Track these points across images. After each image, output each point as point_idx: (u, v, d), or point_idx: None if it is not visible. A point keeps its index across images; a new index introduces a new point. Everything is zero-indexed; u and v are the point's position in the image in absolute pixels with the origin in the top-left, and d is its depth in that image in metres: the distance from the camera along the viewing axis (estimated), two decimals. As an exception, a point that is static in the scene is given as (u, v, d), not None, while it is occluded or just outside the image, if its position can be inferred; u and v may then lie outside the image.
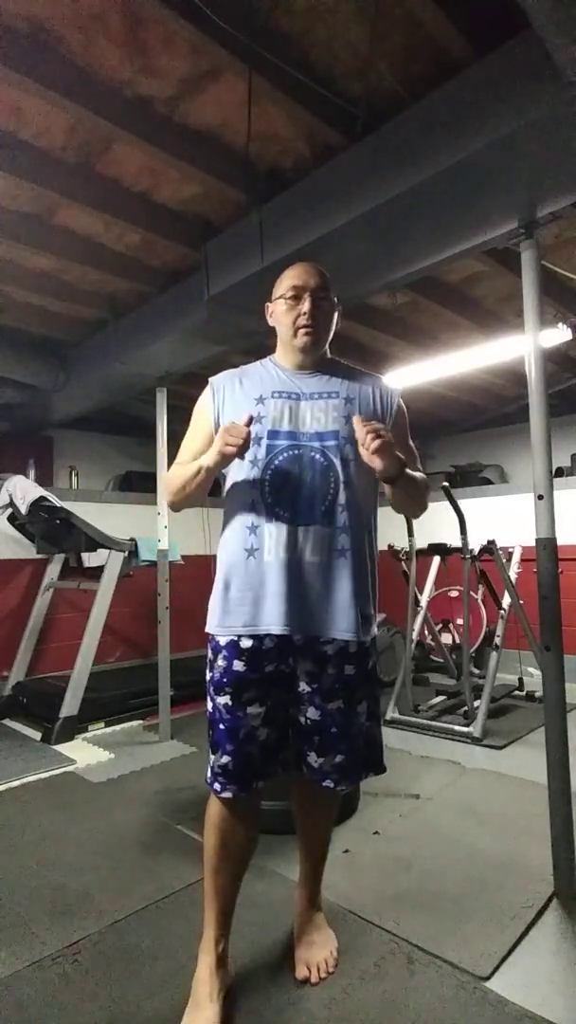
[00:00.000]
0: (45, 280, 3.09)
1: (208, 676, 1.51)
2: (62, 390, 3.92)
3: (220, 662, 1.48)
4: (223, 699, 1.46)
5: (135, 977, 1.55)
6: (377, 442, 1.35)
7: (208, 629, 1.51)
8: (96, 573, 3.95)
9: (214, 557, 1.60)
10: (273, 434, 1.49)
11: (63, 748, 3.33)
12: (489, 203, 2.02)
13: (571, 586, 3.31)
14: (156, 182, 2.42)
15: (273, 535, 1.45)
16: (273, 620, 1.43)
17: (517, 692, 4.15)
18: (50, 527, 3.88)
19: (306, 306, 1.52)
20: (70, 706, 3.53)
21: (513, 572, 3.94)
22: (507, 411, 5.41)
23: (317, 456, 1.47)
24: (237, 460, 1.49)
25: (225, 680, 1.46)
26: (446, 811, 2.44)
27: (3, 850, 2.21)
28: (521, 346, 3.27)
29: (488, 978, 1.52)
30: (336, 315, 1.62)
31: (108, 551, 3.82)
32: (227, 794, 1.45)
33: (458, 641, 4.47)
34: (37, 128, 2.11)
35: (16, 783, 2.83)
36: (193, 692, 4.21)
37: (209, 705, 1.51)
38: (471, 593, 3.93)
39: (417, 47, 1.82)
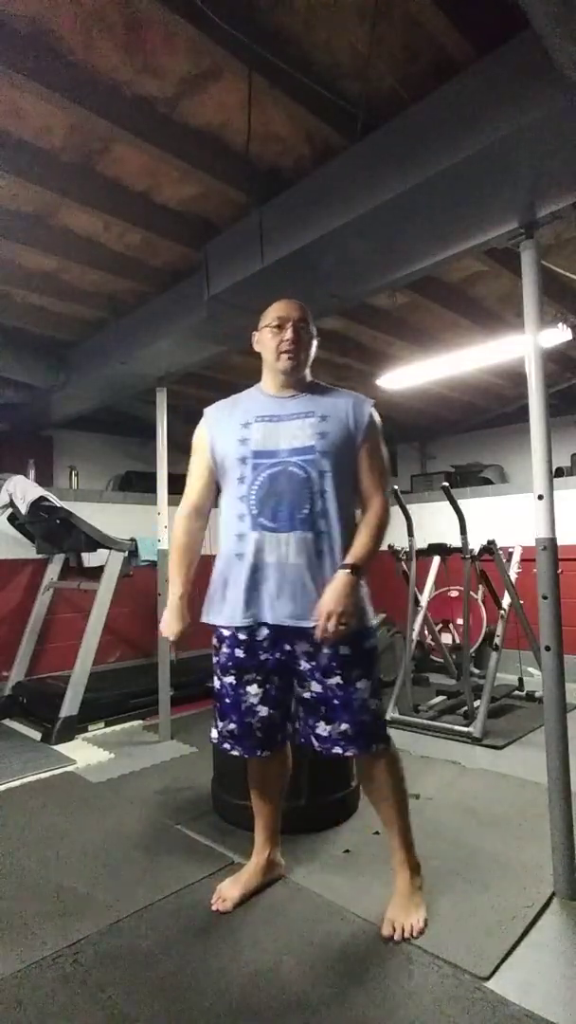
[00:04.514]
0: (45, 280, 3.09)
1: (215, 659, 1.81)
2: (62, 390, 3.92)
3: (224, 649, 1.76)
4: (228, 679, 1.76)
5: (135, 977, 1.55)
6: (331, 633, 1.60)
7: (212, 621, 1.78)
8: (96, 573, 3.95)
9: (214, 557, 1.72)
10: (257, 454, 1.72)
11: (63, 748, 3.33)
12: (489, 203, 2.02)
13: (571, 586, 3.31)
14: (156, 182, 2.42)
15: (260, 542, 1.68)
16: (267, 613, 1.68)
17: (517, 692, 4.15)
18: (50, 527, 3.88)
19: (288, 334, 1.75)
20: (70, 706, 3.53)
21: (513, 572, 3.94)
22: (507, 411, 5.42)
23: (296, 470, 1.68)
24: (230, 478, 1.76)
25: (230, 664, 1.75)
26: (446, 811, 2.44)
27: (3, 850, 2.21)
28: (521, 346, 3.27)
29: (488, 978, 1.52)
30: (315, 344, 1.83)
31: (108, 551, 3.82)
32: (235, 753, 1.79)
33: (458, 641, 4.47)
34: (37, 128, 2.11)
35: (16, 783, 2.83)
36: (193, 692, 4.21)
37: (216, 683, 1.81)
38: (471, 593, 3.93)
39: (417, 47, 1.82)
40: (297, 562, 1.65)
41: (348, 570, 1.65)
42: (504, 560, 3.83)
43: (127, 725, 3.77)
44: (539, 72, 1.59)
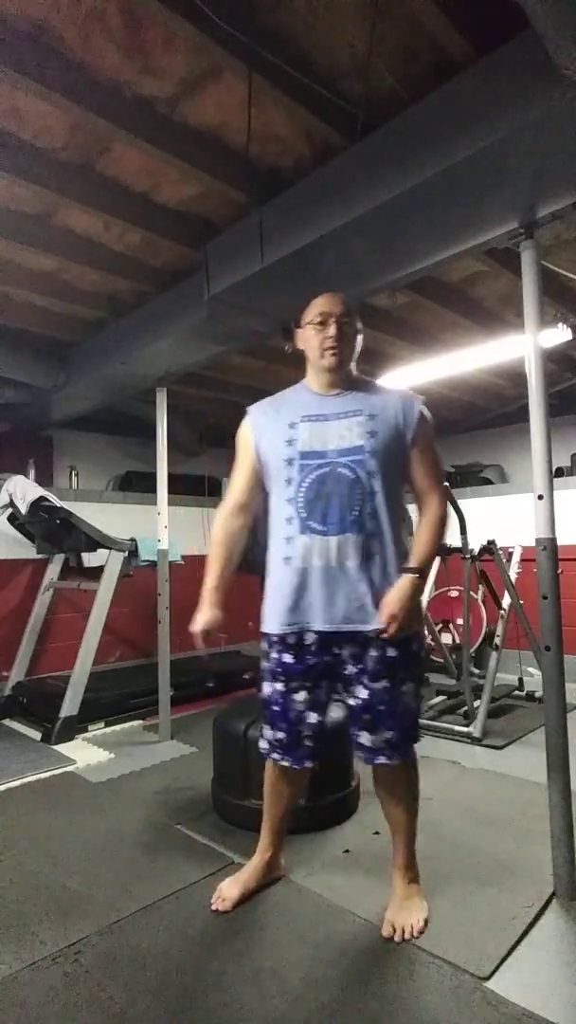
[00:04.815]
0: (45, 280, 3.09)
1: (263, 665, 1.78)
2: (62, 390, 3.92)
3: (273, 654, 1.74)
4: (277, 685, 1.73)
5: (135, 977, 1.55)
6: (394, 628, 1.60)
7: (262, 629, 1.76)
8: (96, 573, 3.95)
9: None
10: (305, 455, 1.69)
11: (63, 748, 3.33)
12: (489, 203, 2.02)
13: (571, 586, 3.31)
14: (156, 182, 2.42)
15: (308, 545, 1.66)
16: (316, 617, 1.66)
17: (517, 692, 4.15)
18: (50, 527, 3.88)
19: (331, 330, 1.72)
20: (70, 706, 3.53)
21: (513, 572, 3.94)
22: (507, 411, 5.41)
23: (344, 471, 1.65)
24: (277, 480, 1.73)
25: (279, 670, 1.72)
26: (446, 811, 2.43)
27: (3, 850, 2.21)
28: (521, 346, 3.27)
29: (488, 978, 1.52)
30: (360, 338, 1.80)
31: (108, 551, 3.82)
32: (285, 763, 1.76)
33: (458, 641, 4.47)
34: (37, 128, 2.10)
35: (16, 783, 2.83)
36: (193, 692, 4.22)
37: (266, 689, 1.77)
38: (471, 593, 3.92)
39: (417, 47, 1.82)
40: (348, 564, 1.63)
41: (413, 573, 1.63)
42: (504, 560, 3.83)
43: (127, 725, 3.77)
44: (539, 72, 1.59)
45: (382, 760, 1.68)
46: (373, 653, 1.65)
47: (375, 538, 1.65)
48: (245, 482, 1.83)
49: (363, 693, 1.66)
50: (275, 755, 1.77)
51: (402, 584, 1.63)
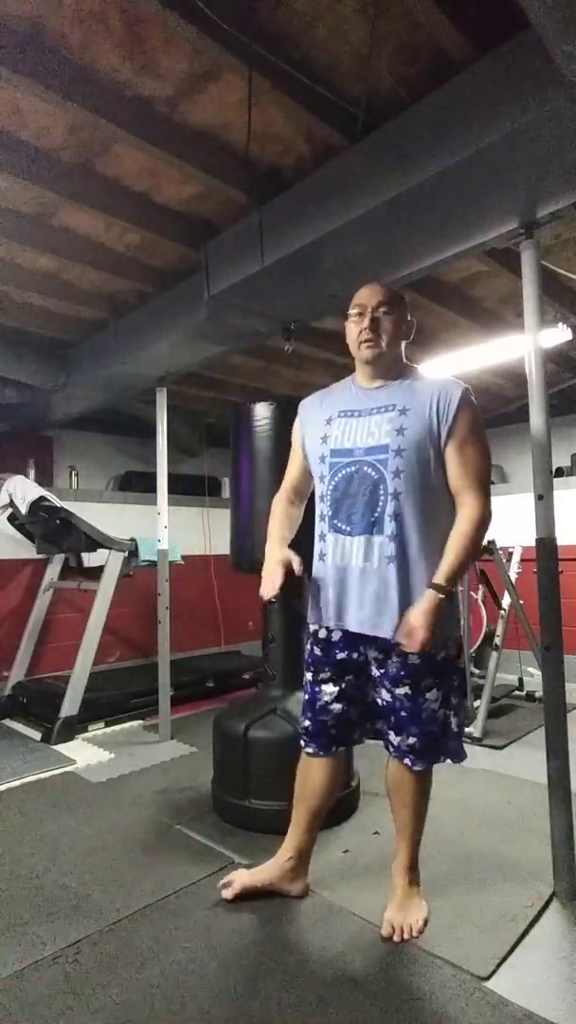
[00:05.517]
0: (45, 280, 3.08)
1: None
2: (62, 390, 3.92)
3: (307, 645, 1.81)
4: (308, 675, 1.79)
5: (135, 977, 1.55)
6: (415, 643, 1.53)
7: (308, 619, 1.81)
8: (96, 573, 3.95)
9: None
10: (335, 452, 1.71)
11: (63, 748, 3.33)
12: (489, 203, 2.02)
13: (571, 586, 3.31)
14: (156, 182, 2.42)
15: (332, 544, 1.69)
16: (339, 616, 1.69)
17: (517, 692, 4.15)
18: (50, 527, 3.88)
19: (366, 322, 1.70)
20: (70, 706, 3.53)
21: (513, 572, 3.94)
22: (507, 411, 5.41)
23: (369, 470, 1.64)
24: (315, 476, 1.78)
25: (309, 660, 1.79)
26: (446, 811, 2.43)
27: (3, 850, 2.21)
28: (521, 346, 3.27)
29: (488, 978, 1.52)
30: (404, 327, 1.75)
31: (108, 551, 3.82)
32: (309, 749, 1.79)
33: (458, 641, 4.47)
34: (37, 128, 2.10)
35: (16, 783, 2.83)
36: (193, 692, 4.22)
37: (303, 678, 1.82)
38: (471, 593, 3.92)
39: (417, 47, 1.82)
40: (364, 567, 1.63)
41: (436, 591, 1.54)
42: (504, 560, 3.83)
43: (127, 725, 3.77)
44: (539, 72, 1.59)
45: (408, 762, 1.69)
46: (395, 659, 1.64)
47: (398, 541, 1.60)
48: (298, 473, 1.88)
49: (386, 696, 1.68)
50: (301, 741, 1.81)
51: (423, 600, 1.55)
